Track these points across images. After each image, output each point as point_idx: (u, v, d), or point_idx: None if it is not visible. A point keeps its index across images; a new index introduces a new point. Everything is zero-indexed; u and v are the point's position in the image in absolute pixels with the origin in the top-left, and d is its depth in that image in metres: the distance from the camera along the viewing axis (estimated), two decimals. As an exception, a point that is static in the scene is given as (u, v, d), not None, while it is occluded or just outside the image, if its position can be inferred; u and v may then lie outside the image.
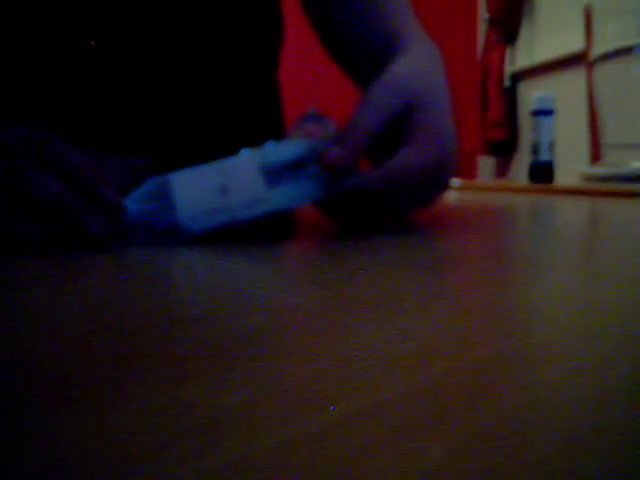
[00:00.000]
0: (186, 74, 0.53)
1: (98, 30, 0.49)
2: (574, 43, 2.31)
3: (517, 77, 2.90)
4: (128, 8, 0.50)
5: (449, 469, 0.09)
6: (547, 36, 2.69)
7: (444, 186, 0.43)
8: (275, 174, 0.32)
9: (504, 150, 2.96)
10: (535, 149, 0.99)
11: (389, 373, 0.13)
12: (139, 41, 0.50)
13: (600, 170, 1.09)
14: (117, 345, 0.15)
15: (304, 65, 2.47)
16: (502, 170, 3.07)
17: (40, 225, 0.32)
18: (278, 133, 0.63)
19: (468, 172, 3.15)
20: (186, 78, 0.53)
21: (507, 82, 2.89)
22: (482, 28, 3.07)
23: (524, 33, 2.84)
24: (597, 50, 1.13)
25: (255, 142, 0.46)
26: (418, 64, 0.45)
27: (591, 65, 1.16)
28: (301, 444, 0.10)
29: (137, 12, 0.50)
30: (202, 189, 0.32)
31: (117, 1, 0.49)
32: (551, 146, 0.99)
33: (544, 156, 0.99)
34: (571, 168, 1.24)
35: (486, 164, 3.15)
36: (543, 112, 0.99)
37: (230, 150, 0.37)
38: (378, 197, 0.38)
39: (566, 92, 2.41)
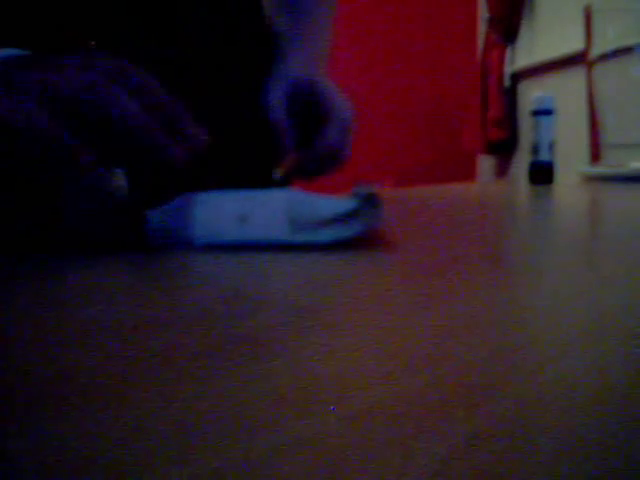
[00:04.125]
0: (187, 73, 0.53)
1: (98, 30, 0.49)
2: (574, 43, 2.31)
3: (517, 77, 2.90)
4: (128, 8, 0.50)
5: (450, 468, 0.09)
6: (547, 36, 2.69)
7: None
8: (302, 225, 0.32)
9: (504, 150, 2.96)
10: (535, 149, 0.99)
11: (389, 373, 0.13)
12: (139, 41, 0.50)
13: (600, 170, 1.09)
14: (117, 344, 0.15)
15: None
16: (502, 170, 3.07)
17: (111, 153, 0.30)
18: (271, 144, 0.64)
19: (468, 172, 3.15)
20: (188, 77, 0.53)
21: (507, 82, 2.89)
22: (482, 28, 3.07)
23: (524, 33, 2.84)
24: (597, 50, 1.13)
25: (251, 156, 0.51)
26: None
27: (591, 65, 1.16)
28: (301, 444, 0.10)
29: (136, 11, 0.50)
30: (222, 215, 0.32)
31: (117, 1, 0.49)
32: (551, 146, 0.99)
33: (544, 156, 0.98)
34: (571, 168, 1.24)
35: (486, 164, 3.15)
36: (543, 112, 0.99)
37: (228, 160, 0.37)
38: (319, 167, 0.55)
39: (566, 92, 2.41)
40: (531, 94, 1.04)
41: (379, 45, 2.84)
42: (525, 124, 2.83)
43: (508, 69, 2.88)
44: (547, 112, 0.98)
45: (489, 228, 0.41)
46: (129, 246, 0.32)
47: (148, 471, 0.09)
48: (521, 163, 2.87)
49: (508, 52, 2.88)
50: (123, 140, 0.30)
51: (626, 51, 1.07)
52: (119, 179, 0.34)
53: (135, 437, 0.10)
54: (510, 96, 2.90)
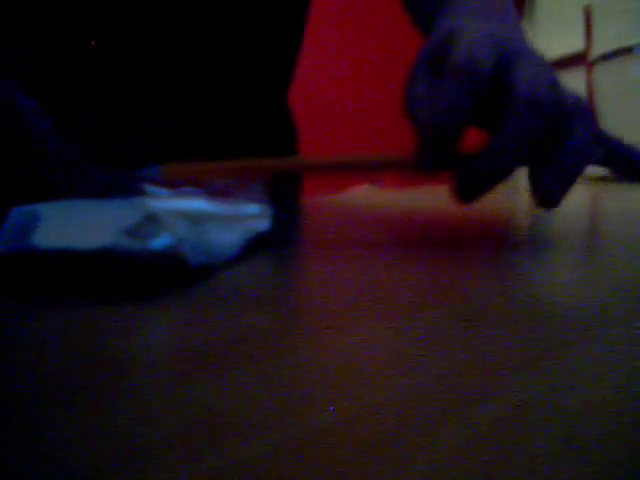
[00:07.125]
0: (188, 74, 0.53)
1: (99, 30, 0.49)
2: (574, 43, 2.31)
3: (517, 77, 2.89)
4: (129, 7, 0.50)
5: (449, 469, 0.09)
6: (547, 36, 2.69)
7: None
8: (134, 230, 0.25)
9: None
10: (535, 149, 0.99)
11: (388, 373, 0.13)
12: (140, 41, 0.50)
13: (600, 170, 1.09)
14: (117, 345, 0.15)
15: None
16: (502, 170, 3.06)
17: None
18: (291, 144, 0.63)
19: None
20: (189, 78, 0.53)
21: (507, 82, 2.88)
22: (482, 28, 3.06)
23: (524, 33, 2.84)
24: (597, 50, 1.13)
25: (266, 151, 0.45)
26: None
27: (591, 65, 1.16)
28: (301, 444, 0.10)
29: (137, 11, 0.50)
30: (66, 226, 0.26)
31: (118, 1, 0.49)
32: (551, 146, 0.99)
33: (544, 156, 0.98)
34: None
35: (486, 164, 3.14)
36: (543, 112, 0.99)
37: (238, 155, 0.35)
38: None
39: (566, 92, 2.40)
40: (531, 94, 1.03)
41: (378, 45, 2.84)
42: (525, 124, 2.82)
43: (508, 69, 2.87)
44: (547, 112, 0.98)
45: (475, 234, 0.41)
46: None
47: (148, 472, 0.09)
48: (521, 163, 2.86)
49: (508, 52, 2.87)
50: None
51: (626, 51, 1.07)
52: None
53: (134, 438, 0.10)
54: (510, 96, 2.89)
